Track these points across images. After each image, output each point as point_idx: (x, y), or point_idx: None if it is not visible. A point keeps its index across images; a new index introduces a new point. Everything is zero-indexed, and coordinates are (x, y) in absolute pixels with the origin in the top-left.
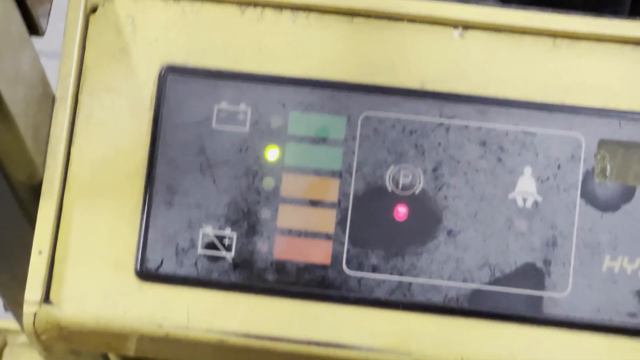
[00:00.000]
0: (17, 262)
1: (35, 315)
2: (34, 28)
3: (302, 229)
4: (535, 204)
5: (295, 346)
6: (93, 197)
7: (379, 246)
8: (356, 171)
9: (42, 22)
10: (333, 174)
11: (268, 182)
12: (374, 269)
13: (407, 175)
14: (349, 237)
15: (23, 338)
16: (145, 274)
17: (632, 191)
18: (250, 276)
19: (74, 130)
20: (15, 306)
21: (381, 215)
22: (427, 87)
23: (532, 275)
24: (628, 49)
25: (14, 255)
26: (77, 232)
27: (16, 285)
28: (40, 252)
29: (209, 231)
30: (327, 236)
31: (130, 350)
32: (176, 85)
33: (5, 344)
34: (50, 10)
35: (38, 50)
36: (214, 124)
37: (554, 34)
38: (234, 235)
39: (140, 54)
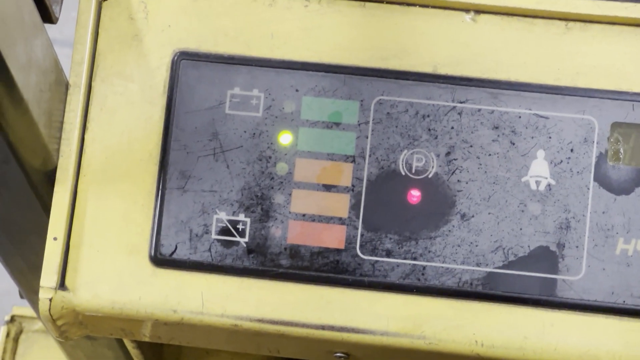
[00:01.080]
0: (32, 249)
1: (51, 301)
2: (47, 15)
3: (316, 213)
4: (549, 187)
5: (309, 331)
6: (107, 183)
7: (393, 230)
8: (369, 155)
9: (55, 9)
10: (346, 158)
11: (281, 167)
12: (388, 253)
13: (421, 159)
14: (363, 222)
15: (39, 325)
16: (160, 260)
17: None
18: (264, 261)
19: (88, 116)
20: (30, 293)
21: (395, 199)
22: (440, 71)
23: (546, 258)
24: None
25: (29, 243)
26: (91, 218)
27: (31, 273)
28: (55, 239)
29: (222, 216)
30: (341, 221)
31: (145, 335)
32: (189, 71)
33: (21, 331)
34: None
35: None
36: (227, 110)
37: (566, 17)
38: (248, 221)
39: (153, 40)
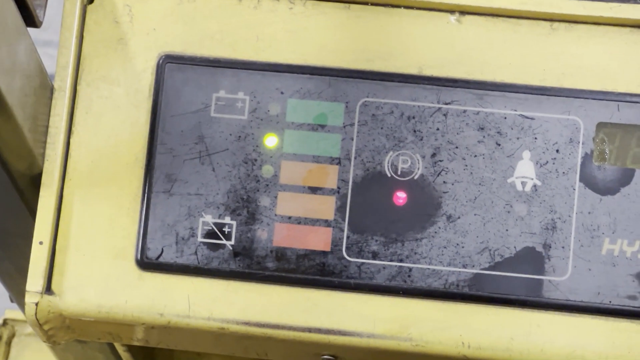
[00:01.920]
0: (20, 253)
1: (37, 305)
2: (30, 19)
3: (302, 216)
4: (535, 188)
5: (296, 333)
6: (93, 187)
7: (379, 232)
8: (355, 157)
9: (38, 13)
10: (332, 160)
11: (267, 170)
12: (374, 255)
13: (406, 161)
14: (349, 224)
15: (31, 328)
16: (146, 263)
17: (631, 174)
18: (251, 264)
19: (73, 120)
20: (20, 297)
21: (380, 201)
22: (425, 73)
23: (532, 259)
24: (625, 31)
25: (17, 247)
26: (77, 222)
27: (20, 277)
28: (41, 243)
29: (208, 219)
30: (327, 223)
31: (133, 339)
32: (174, 74)
33: (13, 334)
34: (47, 1)
35: (37, 39)
36: (212, 112)
37: (551, 18)
38: (234, 224)
39: (138, 43)
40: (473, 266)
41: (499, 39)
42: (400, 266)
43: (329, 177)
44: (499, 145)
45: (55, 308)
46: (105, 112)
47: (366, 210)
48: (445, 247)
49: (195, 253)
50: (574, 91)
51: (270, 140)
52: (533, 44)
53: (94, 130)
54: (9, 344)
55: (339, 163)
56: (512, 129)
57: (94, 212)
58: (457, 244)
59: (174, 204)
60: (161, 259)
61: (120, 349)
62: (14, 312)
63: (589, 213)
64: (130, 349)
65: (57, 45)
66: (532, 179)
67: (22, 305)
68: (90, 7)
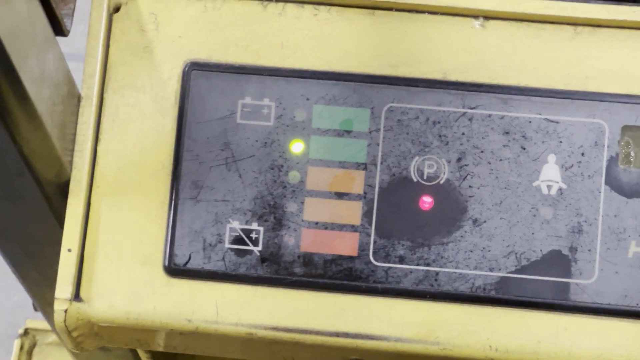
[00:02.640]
0: (47, 261)
1: (66, 312)
2: (58, 28)
3: (329, 221)
4: (560, 191)
5: (324, 338)
6: (120, 195)
7: (406, 237)
8: (381, 163)
9: (66, 22)
10: (358, 166)
11: (294, 176)
12: (401, 260)
13: (432, 166)
14: (376, 229)
15: (52, 337)
16: (174, 270)
17: None
18: (278, 269)
19: (100, 128)
20: (45, 305)
21: (407, 206)
22: (450, 78)
23: (559, 262)
24: None
25: (44, 255)
26: (105, 229)
27: (46, 285)
28: (69, 250)
29: (235, 226)
30: (354, 228)
31: (160, 345)
32: (200, 81)
33: (35, 344)
34: (74, 10)
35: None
36: (238, 119)
37: (574, 22)
38: (261, 229)
39: (164, 51)
40: (499, 270)
41: (522, 44)
42: (427, 270)
43: (355, 182)
44: (524, 149)
45: (84, 315)
46: (132, 120)
47: (393, 215)
48: (471, 251)
49: (223, 259)
50: (599, 94)
51: (297, 146)
52: (557, 48)
53: (121, 138)
54: (30, 353)
55: (365, 168)
56: (537, 132)
57: (121, 219)
58: (484, 248)
59: (200, 210)
60: (189, 265)
61: (144, 356)
62: (35, 322)
63: (615, 216)
64: (154, 355)
65: (74, 58)
66: (558, 182)
67: (47, 313)
68: (116, 16)
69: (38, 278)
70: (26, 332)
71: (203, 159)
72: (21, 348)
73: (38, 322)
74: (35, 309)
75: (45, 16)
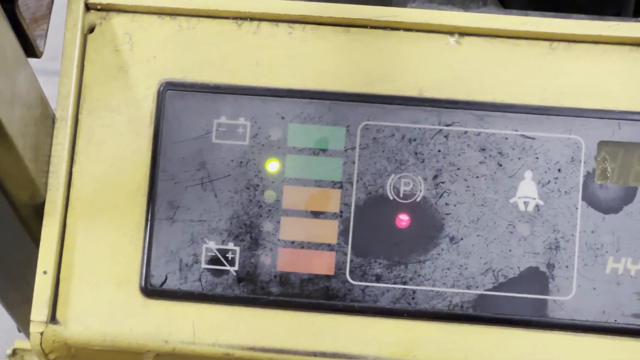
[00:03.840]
0: (26, 283)
1: (42, 334)
2: (30, 49)
3: (305, 240)
4: (537, 207)
5: (301, 358)
6: (96, 216)
7: (382, 255)
8: (357, 181)
9: (39, 43)
10: (334, 184)
11: (269, 195)
12: (378, 278)
13: (408, 184)
14: (352, 247)
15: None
16: (150, 291)
17: (634, 192)
18: (255, 289)
19: (75, 149)
20: (27, 327)
21: (383, 224)
22: (425, 95)
23: (536, 279)
24: (625, 49)
25: (23, 277)
26: (81, 251)
27: (26, 306)
28: (45, 272)
29: (212, 246)
30: (330, 247)
31: None
32: (175, 101)
33: None
34: (47, 31)
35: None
36: (213, 139)
37: (550, 37)
38: (237, 249)
39: (139, 71)
40: (477, 287)
41: (498, 60)
42: (404, 288)
43: (332, 201)
44: (501, 165)
45: (60, 337)
46: (107, 140)
47: (369, 233)
48: (448, 269)
49: (199, 279)
50: (575, 110)
51: (272, 166)
52: (532, 64)
53: (96, 159)
54: None
55: (341, 187)
56: (513, 149)
57: (97, 240)
58: (461, 265)
59: (177, 230)
60: (165, 286)
61: None
62: (23, 342)
63: (592, 232)
64: None
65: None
66: (535, 198)
67: (28, 334)
68: (90, 36)
69: (18, 300)
70: (14, 352)
71: (179, 179)
72: None
73: (26, 342)
74: (19, 330)
75: (15, 38)
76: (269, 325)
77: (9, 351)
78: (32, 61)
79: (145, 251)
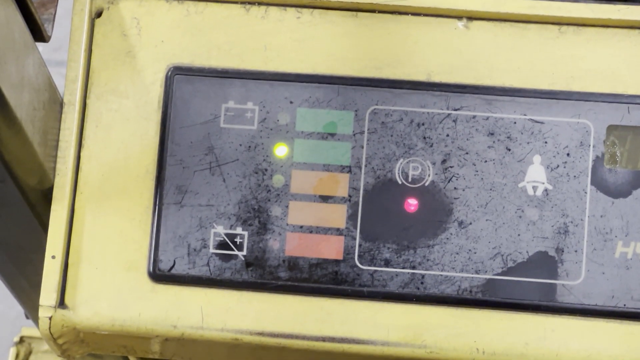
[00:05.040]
0: (34, 268)
1: (50, 319)
2: (39, 34)
3: (314, 225)
4: (546, 192)
5: (310, 343)
6: (104, 200)
7: (391, 239)
8: (365, 165)
9: (47, 27)
10: (342, 169)
11: (278, 180)
12: (387, 263)
13: (417, 168)
14: (361, 232)
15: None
16: (158, 275)
17: None
18: (263, 274)
19: (83, 134)
20: (35, 313)
21: (392, 208)
22: (434, 79)
23: (545, 263)
24: (634, 33)
25: (31, 262)
26: (89, 235)
27: (34, 292)
28: (53, 257)
29: (220, 230)
30: (339, 231)
31: (147, 351)
32: (183, 85)
33: (30, 352)
34: (55, 15)
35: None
36: (222, 123)
37: (559, 21)
38: (245, 234)
39: (147, 55)
40: (486, 272)
41: (507, 44)
42: (413, 273)
43: (340, 185)
44: (509, 150)
45: (68, 322)
46: (115, 125)
47: (378, 218)
48: (457, 253)
49: (208, 264)
50: (584, 94)
51: (280, 150)
52: (541, 48)
53: (104, 144)
54: None
55: (349, 171)
56: (522, 133)
57: (105, 225)
58: (470, 250)
59: (185, 215)
60: (173, 271)
61: None
62: (30, 330)
63: (601, 216)
64: None
65: None
66: (544, 183)
67: (37, 320)
68: (98, 21)
69: (26, 286)
70: (22, 340)
71: (187, 164)
72: (17, 356)
73: (33, 330)
74: (27, 317)
75: (23, 22)
76: (277, 310)
77: (16, 339)
78: None
79: (154, 236)
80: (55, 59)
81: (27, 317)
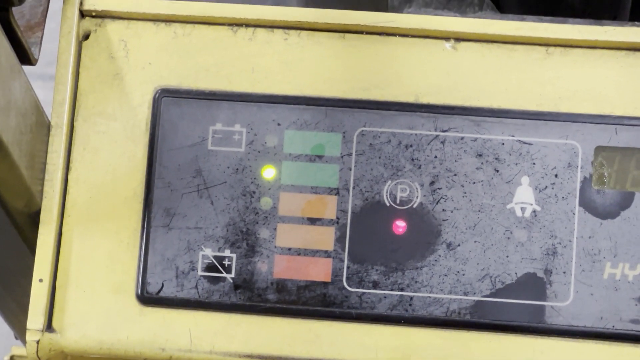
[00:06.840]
0: (22, 291)
1: (38, 343)
2: (25, 57)
3: (302, 247)
4: (534, 213)
5: None
6: (92, 223)
7: (379, 262)
8: (353, 187)
9: (34, 50)
10: (330, 191)
11: (266, 202)
12: (375, 285)
13: (405, 190)
14: (349, 254)
15: None
16: (146, 298)
17: (631, 197)
18: (251, 296)
19: (71, 156)
20: (23, 334)
21: (380, 230)
22: (421, 101)
23: (534, 285)
24: (621, 54)
25: (19, 284)
26: (77, 258)
27: (23, 314)
28: (41, 280)
29: (208, 253)
30: (327, 253)
31: None
32: (170, 107)
33: None
34: (42, 38)
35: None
36: (209, 146)
37: (546, 43)
38: (234, 256)
39: (134, 78)
40: (474, 293)
41: (494, 65)
42: (401, 295)
43: (328, 207)
44: (498, 171)
45: (56, 345)
46: (103, 148)
47: (366, 240)
48: (445, 275)
49: (196, 287)
50: (571, 115)
51: (268, 172)
52: (529, 69)
53: (92, 166)
54: None
55: (337, 193)
56: (510, 154)
57: (93, 248)
58: (458, 272)
59: (173, 238)
60: (162, 294)
61: None
62: (20, 349)
63: (590, 237)
64: None
65: None
66: (532, 204)
67: (25, 342)
68: (85, 43)
69: (14, 307)
70: (12, 359)
71: (175, 186)
72: None
73: (24, 349)
74: (16, 338)
75: (9, 45)
76: (266, 332)
77: (6, 358)
78: (29, 66)
79: (142, 258)
80: (50, 73)
81: (16, 338)
